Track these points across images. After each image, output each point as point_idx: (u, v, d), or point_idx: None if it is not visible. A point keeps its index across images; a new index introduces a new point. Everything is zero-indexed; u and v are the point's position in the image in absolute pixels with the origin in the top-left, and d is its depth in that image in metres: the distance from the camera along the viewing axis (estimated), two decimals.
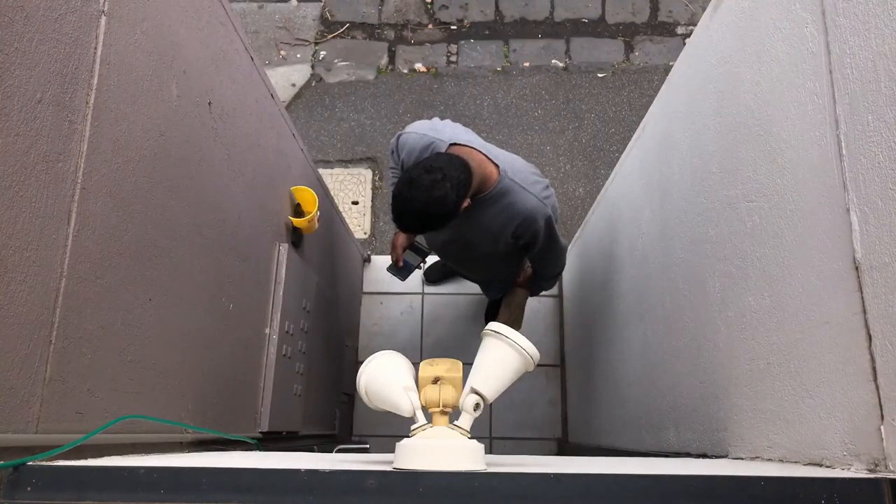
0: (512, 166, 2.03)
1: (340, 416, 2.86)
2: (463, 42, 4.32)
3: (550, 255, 2.25)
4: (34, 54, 0.88)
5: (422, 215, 1.81)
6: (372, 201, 3.80)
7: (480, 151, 1.98)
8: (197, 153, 1.38)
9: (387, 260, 3.51)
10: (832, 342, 0.95)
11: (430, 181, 1.77)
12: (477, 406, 0.88)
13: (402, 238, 2.41)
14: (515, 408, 3.24)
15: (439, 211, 1.80)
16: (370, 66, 4.22)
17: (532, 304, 3.42)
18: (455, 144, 1.99)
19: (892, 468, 0.82)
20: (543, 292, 2.66)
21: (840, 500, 0.73)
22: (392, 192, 1.89)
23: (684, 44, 1.61)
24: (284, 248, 1.92)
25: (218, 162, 1.48)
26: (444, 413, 0.89)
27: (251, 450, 1.54)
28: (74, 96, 0.97)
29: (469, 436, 0.87)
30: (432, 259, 3.43)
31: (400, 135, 2.16)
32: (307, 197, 2.09)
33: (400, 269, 2.48)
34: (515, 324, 2.58)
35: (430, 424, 0.89)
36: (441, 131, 2.05)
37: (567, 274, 3.29)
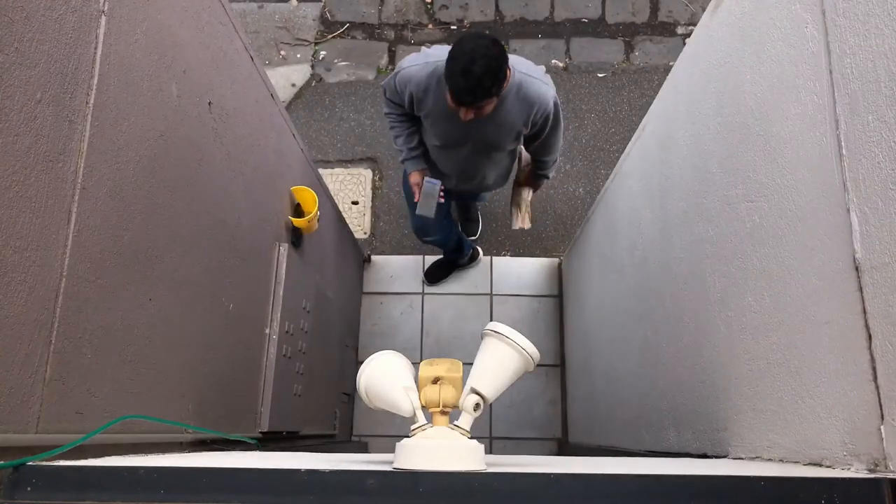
0: (516, 62, 2.17)
1: (340, 416, 2.86)
2: None
3: (556, 136, 2.40)
4: (34, 54, 0.88)
5: (491, 61, 1.93)
6: (372, 201, 3.80)
7: None
8: (197, 153, 1.37)
9: (388, 260, 3.53)
10: (832, 342, 0.95)
11: (486, 35, 1.99)
12: (477, 406, 0.88)
13: (415, 176, 2.51)
14: (515, 408, 3.24)
15: (503, 59, 1.97)
16: (370, 66, 4.22)
17: (532, 304, 3.42)
18: None
19: (892, 468, 0.82)
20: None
21: (840, 500, 0.73)
22: (448, 57, 2.00)
23: (684, 44, 1.61)
24: (284, 248, 1.92)
25: (218, 162, 1.48)
26: (444, 413, 0.89)
27: (251, 450, 1.54)
28: (74, 96, 0.97)
29: (469, 436, 0.87)
30: (431, 259, 3.44)
31: (397, 73, 2.25)
32: (307, 197, 2.09)
33: (425, 202, 2.50)
34: (527, 220, 2.78)
35: (430, 424, 0.89)
36: (440, 53, 2.15)
37: (567, 274, 3.29)
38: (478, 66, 1.93)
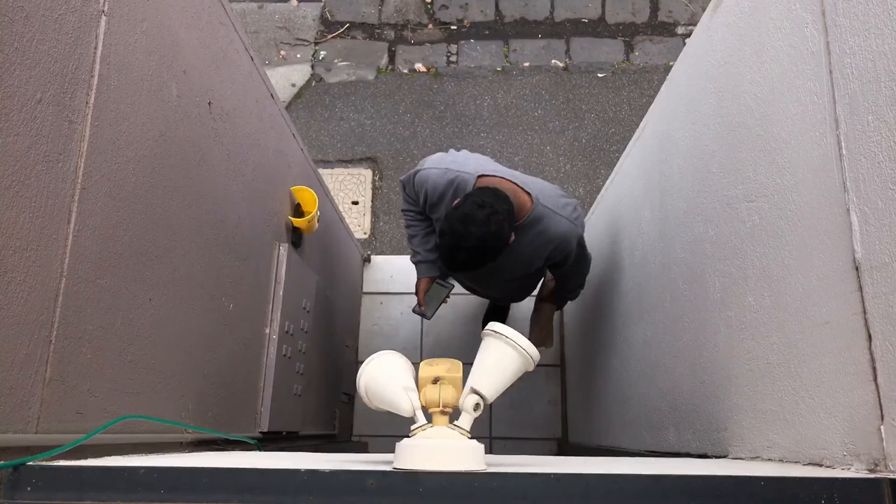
0: (542, 191, 2.00)
1: (340, 416, 2.86)
2: (463, 42, 4.32)
3: (578, 270, 2.24)
4: (34, 54, 0.88)
5: (478, 251, 1.75)
6: (372, 201, 3.80)
7: (510, 180, 1.94)
8: (197, 153, 1.38)
9: (388, 260, 3.53)
10: (832, 342, 0.95)
11: (484, 215, 1.73)
12: (477, 406, 0.88)
13: (424, 283, 2.30)
14: (515, 408, 3.24)
15: (496, 244, 1.76)
16: (370, 66, 4.22)
17: (532, 304, 3.42)
18: (483, 176, 1.95)
19: (892, 468, 0.82)
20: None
21: (840, 500, 0.73)
22: (439, 231, 1.81)
23: (684, 44, 1.61)
24: (284, 248, 1.92)
25: (218, 162, 1.48)
26: (444, 413, 0.89)
27: (251, 450, 1.54)
28: (74, 96, 0.97)
29: (469, 436, 0.87)
30: None
31: (417, 171, 2.08)
32: (307, 197, 2.09)
33: (426, 301, 2.33)
34: (547, 340, 2.53)
35: (431, 424, 0.89)
36: (464, 164, 2.00)
37: None
38: (463, 254, 1.75)
